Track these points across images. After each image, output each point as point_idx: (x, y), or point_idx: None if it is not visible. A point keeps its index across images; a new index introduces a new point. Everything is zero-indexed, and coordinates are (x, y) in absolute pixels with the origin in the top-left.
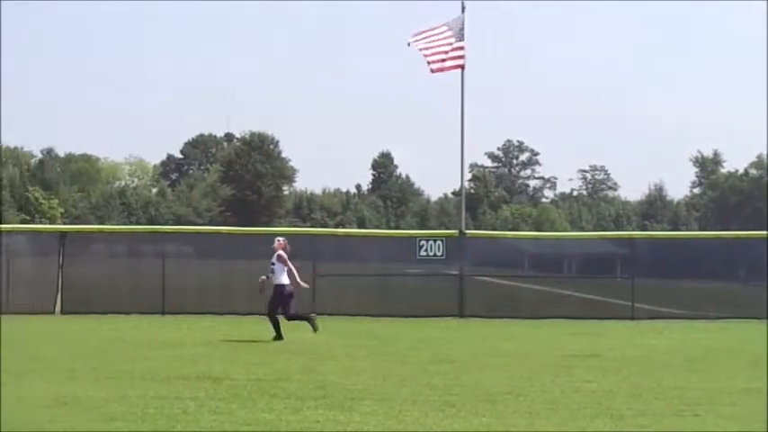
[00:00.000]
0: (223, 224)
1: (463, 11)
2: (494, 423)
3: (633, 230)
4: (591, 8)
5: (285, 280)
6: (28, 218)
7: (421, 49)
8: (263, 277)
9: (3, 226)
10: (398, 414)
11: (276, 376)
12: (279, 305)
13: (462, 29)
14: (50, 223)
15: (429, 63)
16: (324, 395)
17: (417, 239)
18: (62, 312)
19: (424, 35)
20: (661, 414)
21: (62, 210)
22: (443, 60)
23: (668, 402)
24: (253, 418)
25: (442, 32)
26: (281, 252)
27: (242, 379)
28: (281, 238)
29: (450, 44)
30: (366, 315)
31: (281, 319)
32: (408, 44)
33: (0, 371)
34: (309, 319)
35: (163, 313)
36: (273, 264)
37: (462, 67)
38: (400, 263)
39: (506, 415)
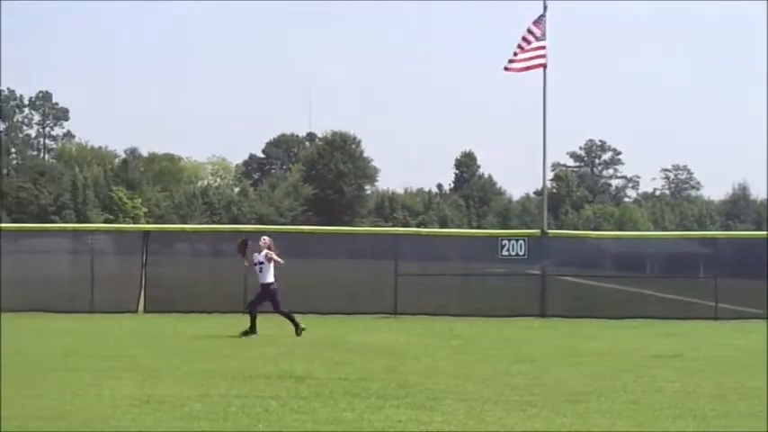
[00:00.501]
0: (305, 223)
1: (545, 10)
2: (575, 423)
3: (716, 230)
4: (676, 7)
5: (272, 278)
6: (112, 217)
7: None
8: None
9: (87, 225)
10: (480, 414)
11: (358, 375)
12: (263, 303)
13: (545, 28)
14: (134, 222)
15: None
16: (406, 394)
17: (499, 239)
18: (145, 311)
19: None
20: (744, 415)
21: (145, 209)
22: (521, 60)
23: (751, 403)
24: (334, 417)
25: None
26: (268, 251)
27: (324, 378)
28: (266, 237)
29: (532, 45)
30: (448, 315)
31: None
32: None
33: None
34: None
35: (244, 312)
36: (261, 263)
37: (544, 66)
38: (482, 262)
39: (588, 415)
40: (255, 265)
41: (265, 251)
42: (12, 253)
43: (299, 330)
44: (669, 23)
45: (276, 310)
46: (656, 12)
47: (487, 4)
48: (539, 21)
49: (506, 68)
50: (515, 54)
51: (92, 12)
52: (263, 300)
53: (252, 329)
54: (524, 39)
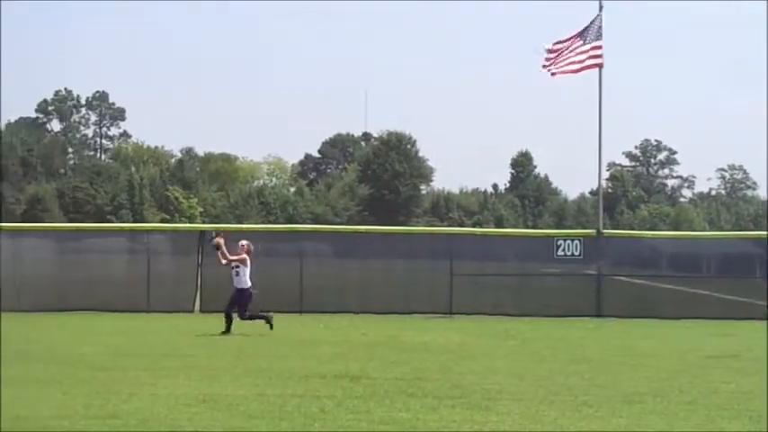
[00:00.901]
0: (361, 223)
1: (601, 10)
2: (631, 424)
3: None
4: (728, 6)
5: (248, 283)
6: (168, 217)
7: (558, 68)
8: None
9: (143, 225)
10: (535, 414)
11: (413, 375)
12: (237, 305)
13: (600, 28)
14: (190, 222)
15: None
16: (461, 394)
17: (555, 239)
18: (201, 311)
19: (556, 53)
20: None
21: (201, 209)
22: (575, 62)
23: None
24: (390, 417)
25: (576, 43)
26: (245, 256)
27: (379, 378)
28: (244, 242)
29: (581, 47)
30: (503, 315)
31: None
32: (552, 73)
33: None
34: (267, 318)
35: (300, 312)
36: (238, 267)
37: (600, 66)
38: (537, 262)
39: (643, 416)
40: (233, 268)
41: (244, 255)
42: (68, 253)
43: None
44: (725, 21)
45: (241, 316)
46: (712, 8)
47: (544, 3)
48: (593, 21)
49: (554, 72)
50: (562, 54)
51: (150, 11)
52: (237, 302)
53: (227, 329)
54: (575, 39)
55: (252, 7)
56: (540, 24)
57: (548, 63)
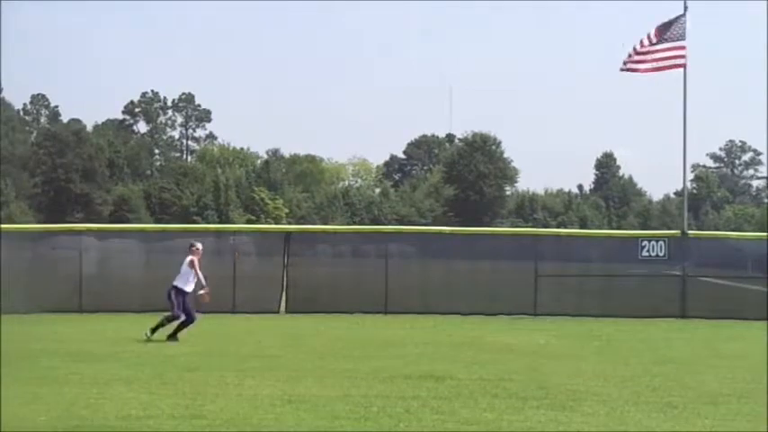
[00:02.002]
0: (446, 224)
1: (686, 10)
2: (716, 425)
3: None
4: None
5: (190, 287)
6: (254, 218)
7: (630, 65)
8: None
9: (229, 226)
10: (620, 415)
11: (498, 376)
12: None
13: (684, 28)
14: (275, 223)
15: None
16: (545, 395)
17: (639, 240)
18: (286, 311)
19: (634, 52)
20: None
21: (287, 210)
22: (656, 60)
23: None
24: (474, 417)
25: (652, 41)
26: (193, 258)
27: (464, 378)
28: (199, 246)
29: (661, 45)
30: (588, 316)
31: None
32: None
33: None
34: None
35: (385, 313)
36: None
37: (684, 66)
38: (622, 263)
39: (729, 417)
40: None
41: (192, 258)
42: (155, 253)
43: (171, 336)
44: None
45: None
46: None
47: (629, 4)
48: (676, 20)
49: (634, 70)
50: (643, 54)
51: (237, 11)
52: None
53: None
54: (658, 39)
55: (338, 7)
56: (626, 24)
57: (628, 62)
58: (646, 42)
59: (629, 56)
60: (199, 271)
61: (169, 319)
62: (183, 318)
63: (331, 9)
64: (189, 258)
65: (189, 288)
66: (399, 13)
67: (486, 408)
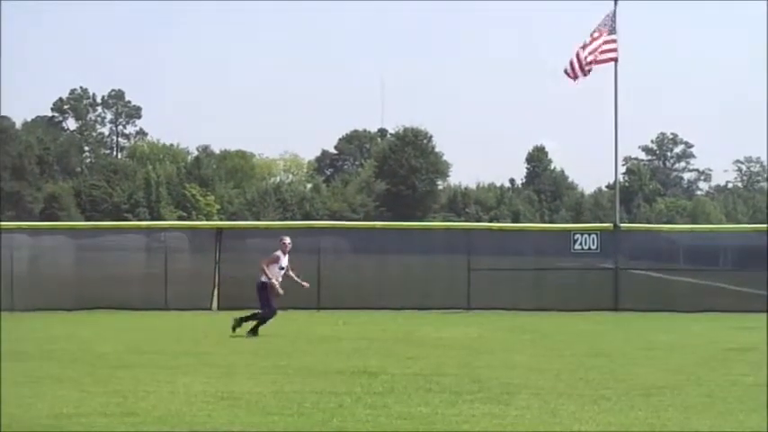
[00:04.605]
0: (378, 219)
1: (616, 4)
2: (649, 417)
3: None
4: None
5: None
6: (185, 214)
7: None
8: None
9: (160, 223)
10: (553, 408)
11: (432, 370)
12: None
13: (615, 22)
14: (207, 219)
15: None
16: (479, 389)
17: (572, 233)
18: (219, 308)
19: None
20: None
21: (218, 206)
22: (588, 54)
23: None
24: (408, 412)
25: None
26: (278, 253)
27: (397, 373)
28: (287, 240)
29: (593, 47)
30: (521, 309)
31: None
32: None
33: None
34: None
35: (318, 308)
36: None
37: (615, 60)
38: (555, 257)
39: (662, 409)
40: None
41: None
42: (86, 251)
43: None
44: (733, 12)
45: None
46: (724, 3)
47: (562, 4)
48: (607, 17)
49: (576, 76)
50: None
51: (166, 9)
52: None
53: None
54: (591, 39)
55: (266, 4)
56: (557, 21)
57: (571, 71)
58: (583, 49)
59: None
60: (268, 265)
61: (263, 318)
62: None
63: (261, 7)
64: (275, 253)
65: (276, 281)
66: (330, 6)
67: (419, 402)
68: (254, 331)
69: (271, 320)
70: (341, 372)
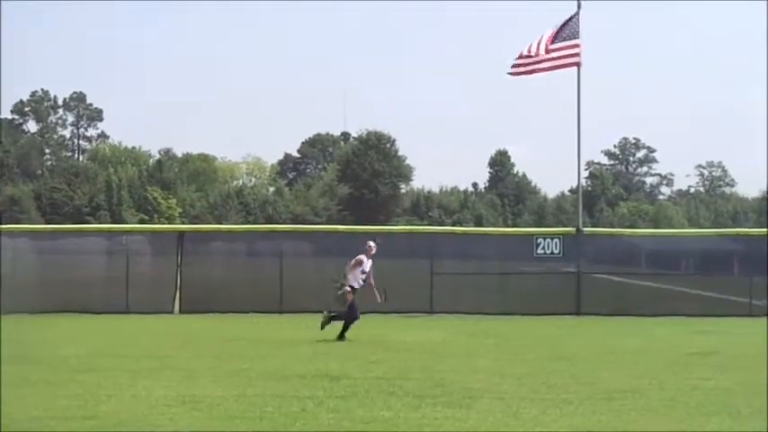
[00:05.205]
0: (341, 223)
1: (579, 9)
2: (611, 421)
3: (751, 227)
4: (703, 6)
5: (358, 284)
6: (147, 217)
7: (519, 69)
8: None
9: (122, 226)
10: (516, 412)
11: (394, 374)
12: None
13: (578, 27)
14: (169, 223)
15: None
16: (442, 393)
17: (534, 237)
18: (180, 312)
19: (526, 55)
20: None
21: (180, 209)
22: (549, 59)
23: None
24: (371, 416)
25: (545, 41)
26: (361, 256)
27: (360, 377)
28: (371, 244)
29: (556, 46)
30: (484, 313)
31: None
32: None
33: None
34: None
35: (280, 312)
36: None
37: (578, 64)
38: (517, 261)
39: (624, 412)
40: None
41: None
42: (46, 254)
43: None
44: (697, 19)
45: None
46: (683, 9)
47: (525, 4)
48: (570, 19)
49: (527, 72)
50: (538, 54)
51: (127, 11)
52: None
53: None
54: (553, 39)
55: (229, 5)
56: (521, 23)
57: (521, 65)
58: (535, 47)
59: (521, 58)
60: (352, 269)
61: (344, 319)
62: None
63: (226, 8)
64: (358, 256)
65: (357, 284)
66: (294, 7)
67: (382, 406)
68: (341, 336)
69: (354, 323)
70: (303, 376)
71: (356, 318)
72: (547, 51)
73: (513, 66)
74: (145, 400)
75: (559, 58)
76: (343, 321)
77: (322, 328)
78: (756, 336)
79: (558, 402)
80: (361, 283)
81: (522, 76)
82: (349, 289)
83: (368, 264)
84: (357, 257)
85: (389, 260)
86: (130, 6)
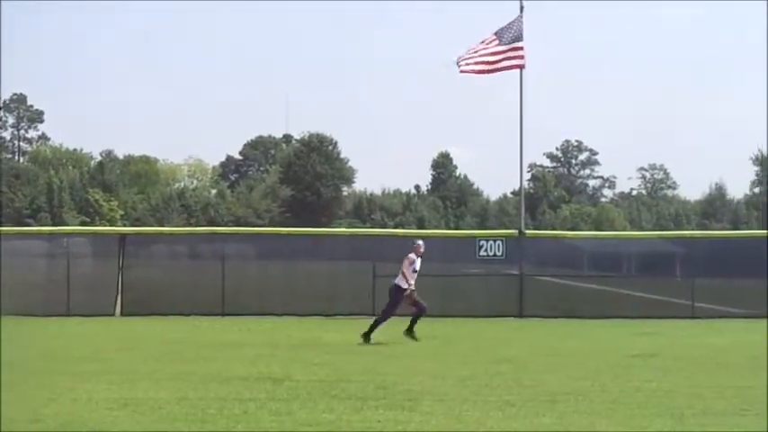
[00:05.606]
0: (283, 225)
1: (522, 11)
2: (554, 423)
3: (693, 230)
4: (646, 6)
5: (406, 284)
6: (88, 220)
7: (465, 69)
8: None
9: (63, 228)
10: (458, 414)
11: (337, 377)
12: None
13: (521, 29)
14: (110, 225)
15: (471, 72)
16: (384, 395)
17: (477, 240)
18: (122, 314)
19: (471, 51)
20: (722, 413)
21: (122, 212)
22: (495, 62)
23: (729, 402)
24: (313, 418)
25: (489, 40)
26: (410, 255)
27: (302, 380)
28: (419, 242)
29: (500, 47)
30: (426, 315)
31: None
32: (462, 71)
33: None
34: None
35: (223, 315)
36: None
37: (522, 66)
38: (460, 263)
39: (566, 415)
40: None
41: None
42: None
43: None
44: (639, 22)
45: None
46: (626, 10)
47: (468, 4)
48: (513, 22)
49: (480, 71)
50: (482, 63)
51: (65, 11)
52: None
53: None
54: (492, 43)
55: (171, 5)
56: (463, 25)
57: (467, 62)
58: (480, 46)
59: (466, 56)
60: (406, 269)
61: (378, 321)
62: (384, 317)
63: (167, 7)
64: (410, 255)
65: (405, 285)
66: (236, 8)
67: (324, 409)
68: (367, 335)
69: (383, 324)
70: (245, 378)
71: (424, 309)
72: (492, 54)
73: (464, 61)
74: (86, 402)
75: (504, 60)
76: (379, 323)
77: (367, 339)
78: (698, 337)
79: (500, 405)
80: (413, 282)
81: (472, 74)
82: (413, 288)
83: (418, 262)
84: (408, 256)
85: (332, 263)
86: (70, 6)
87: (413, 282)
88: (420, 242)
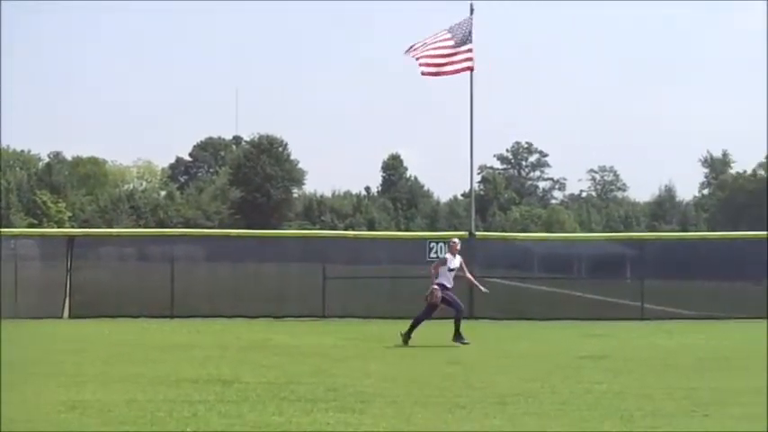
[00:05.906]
0: (232, 227)
1: (472, 13)
2: (504, 425)
3: (642, 231)
4: (596, 7)
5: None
6: (35, 222)
7: (418, 58)
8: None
9: (10, 230)
10: (409, 416)
11: (286, 379)
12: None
13: (471, 31)
14: (58, 227)
15: (423, 65)
16: (334, 397)
17: (427, 241)
18: (70, 317)
19: (423, 42)
20: (671, 415)
21: (70, 213)
22: (445, 64)
23: (678, 403)
24: (263, 420)
25: (442, 37)
26: (446, 255)
27: (252, 382)
28: (455, 240)
29: (452, 48)
30: (376, 317)
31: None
32: (407, 52)
33: (0, 373)
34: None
35: (171, 317)
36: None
37: (471, 69)
38: (410, 265)
39: (517, 417)
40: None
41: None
42: None
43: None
44: (589, 23)
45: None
46: (575, 11)
47: (413, 3)
48: (462, 23)
49: (431, 73)
50: (430, 56)
51: (17, 9)
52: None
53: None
54: (442, 43)
55: (120, 5)
56: (415, 25)
57: (413, 51)
58: (431, 39)
59: (418, 45)
60: (435, 269)
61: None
62: (423, 316)
63: (116, 7)
64: (444, 254)
65: (448, 283)
66: (184, 8)
67: (274, 411)
68: (407, 335)
69: (421, 325)
70: (194, 380)
71: (460, 309)
72: (443, 54)
73: (413, 50)
74: (34, 405)
75: (455, 62)
76: (419, 323)
77: (406, 342)
78: (647, 339)
79: (450, 407)
80: (452, 281)
81: (423, 75)
82: (437, 287)
83: (455, 261)
84: (442, 256)
85: (281, 264)
86: (17, 6)
87: (444, 281)
88: (457, 240)
